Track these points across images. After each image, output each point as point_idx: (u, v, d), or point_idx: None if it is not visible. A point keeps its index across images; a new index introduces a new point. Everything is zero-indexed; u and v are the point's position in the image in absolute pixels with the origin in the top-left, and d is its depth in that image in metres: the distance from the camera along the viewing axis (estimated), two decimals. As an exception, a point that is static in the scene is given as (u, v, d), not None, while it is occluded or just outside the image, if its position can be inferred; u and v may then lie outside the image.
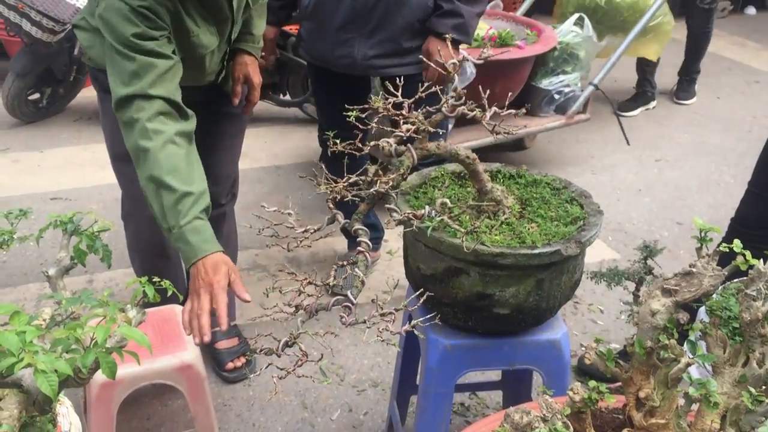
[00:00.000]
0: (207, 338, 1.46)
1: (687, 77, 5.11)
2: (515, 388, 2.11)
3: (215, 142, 2.32)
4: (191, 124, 1.73)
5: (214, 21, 1.90)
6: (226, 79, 2.16)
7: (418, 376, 1.99)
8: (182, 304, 2.14)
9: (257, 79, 2.16)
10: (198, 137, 2.14)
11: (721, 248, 1.16)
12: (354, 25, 2.35)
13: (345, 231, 1.60)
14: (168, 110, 1.66)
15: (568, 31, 3.83)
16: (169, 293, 1.19)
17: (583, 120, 3.93)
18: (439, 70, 1.89)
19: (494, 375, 2.29)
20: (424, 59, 2.17)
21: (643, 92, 4.97)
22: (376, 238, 3.00)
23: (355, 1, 2.30)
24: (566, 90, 3.82)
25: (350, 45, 2.35)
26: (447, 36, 1.90)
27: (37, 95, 4.37)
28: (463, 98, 1.48)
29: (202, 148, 2.35)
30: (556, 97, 3.82)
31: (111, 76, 1.67)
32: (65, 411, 1.27)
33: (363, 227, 1.41)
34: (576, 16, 3.94)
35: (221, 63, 2.07)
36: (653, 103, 4.99)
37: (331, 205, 1.44)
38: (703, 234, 1.16)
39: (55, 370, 0.81)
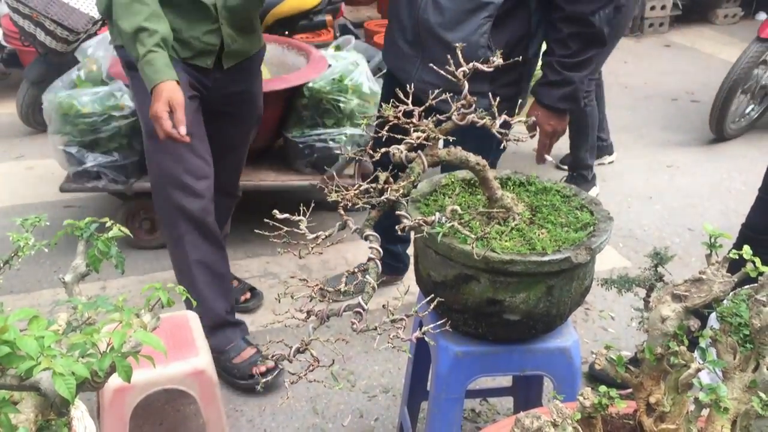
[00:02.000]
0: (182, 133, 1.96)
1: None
2: (526, 394, 2.11)
3: (234, 143, 2.51)
4: None
5: None
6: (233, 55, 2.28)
7: (429, 383, 1.99)
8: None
9: None
10: (220, 140, 2.24)
11: (731, 254, 1.16)
12: (418, 47, 2.22)
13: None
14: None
15: (329, 76, 3.16)
16: (183, 298, 1.20)
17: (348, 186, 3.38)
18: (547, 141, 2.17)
19: (505, 381, 2.29)
20: (530, 126, 2.19)
21: (579, 176, 3.84)
22: (397, 267, 2.97)
23: (417, 26, 2.18)
24: (319, 146, 3.16)
25: (412, 62, 2.24)
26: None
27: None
28: (473, 106, 1.49)
29: (224, 150, 2.47)
30: (306, 152, 3.18)
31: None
32: (80, 415, 1.29)
33: (374, 233, 1.42)
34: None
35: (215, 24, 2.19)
36: (595, 189, 3.87)
37: (342, 212, 1.45)
38: (713, 240, 1.16)
39: (73, 373, 0.83)
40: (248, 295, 2.84)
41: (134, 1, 1.96)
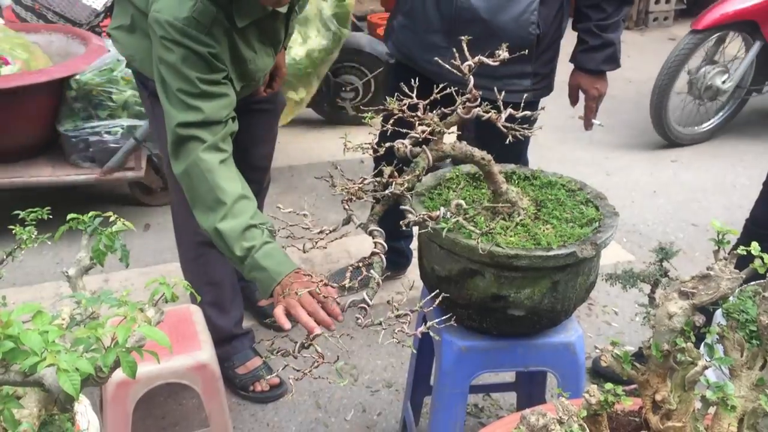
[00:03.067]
0: (331, 327, 1.42)
1: None
2: (529, 390, 2.11)
3: (253, 136, 2.35)
4: (234, 127, 1.76)
5: (270, 43, 1.92)
6: None
7: (432, 377, 1.99)
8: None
9: (285, 70, 2.25)
10: (238, 134, 2.10)
11: (738, 251, 1.15)
12: (452, 36, 2.15)
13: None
14: (220, 135, 1.70)
15: (99, 67, 3.07)
16: (188, 292, 1.20)
17: (130, 178, 3.25)
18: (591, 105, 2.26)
19: (508, 376, 2.28)
20: (574, 95, 2.31)
21: None
22: (400, 262, 2.96)
23: (453, 15, 2.15)
24: (93, 139, 3.08)
25: (443, 53, 2.11)
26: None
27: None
28: (479, 100, 1.48)
29: (242, 142, 2.33)
30: (81, 146, 3.11)
31: (168, 107, 1.69)
32: (83, 409, 1.28)
33: (378, 228, 1.41)
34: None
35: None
36: None
37: (346, 206, 1.45)
38: (720, 236, 1.15)
39: (77, 369, 0.82)
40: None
41: (241, 197, 1.65)
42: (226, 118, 1.71)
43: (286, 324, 1.42)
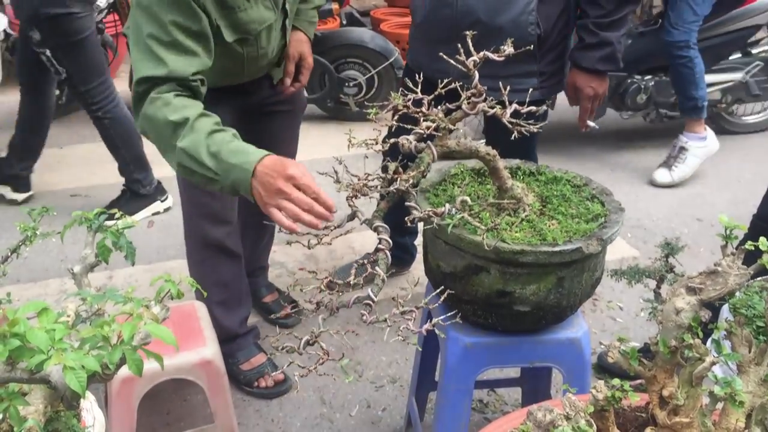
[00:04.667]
0: (329, 217, 1.37)
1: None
2: (534, 386, 2.10)
3: (275, 139, 2.31)
4: (203, 90, 1.68)
5: None
6: (279, 64, 2.11)
7: (437, 373, 1.99)
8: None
9: (311, 60, 2.13)
10: (258, 136, 1.98)
11: (746, 246, 1.15)
12: (455, 41, 2.18)
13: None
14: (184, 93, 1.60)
15: None
16: (194, 289, 1.20)
17: None
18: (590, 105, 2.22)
19: (513, 372, 2.28)
20: (571, 94, 2.26)
21: (132, 193, 3.47)
22: (404, 258, 2.95)
23: (455, 20, 2.15)
24: None
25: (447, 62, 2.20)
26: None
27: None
28: (483, 95, 1.48)
29: (264, 146, 2.31)
30: None
31: (135, 58, 1.60)
32: (89, 406, 1.29)
33: (383, 224, 1.41)
34: None
35: (282, 40, 1.98)
36: (158, 205, 3.51)
37: (351, 202, 1.44)
38: (728, 232, 1.14)
39: (83, 367, 0.82)
40: (288, 309, 2.58)
41: (201, 115, 1.54)
42: (193, 78, 1.60)
43: (294, 226, 1.33)
